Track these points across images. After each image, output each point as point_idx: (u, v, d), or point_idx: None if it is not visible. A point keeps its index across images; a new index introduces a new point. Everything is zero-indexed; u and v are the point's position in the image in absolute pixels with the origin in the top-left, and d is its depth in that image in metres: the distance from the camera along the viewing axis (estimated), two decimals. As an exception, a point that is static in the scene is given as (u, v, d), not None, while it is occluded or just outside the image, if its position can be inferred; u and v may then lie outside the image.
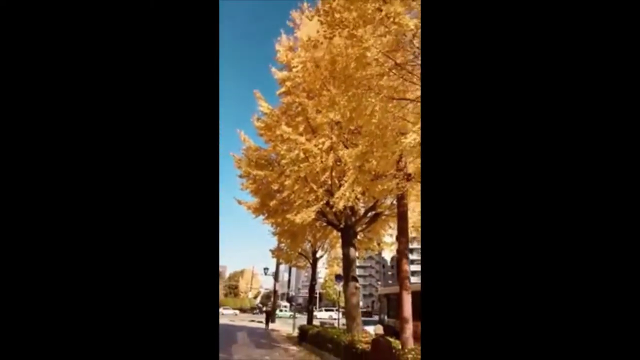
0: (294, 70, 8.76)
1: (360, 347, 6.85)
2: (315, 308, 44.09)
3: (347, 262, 9.12)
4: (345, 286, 9.02)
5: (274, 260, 23.82)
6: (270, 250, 15.92)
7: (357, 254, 9.90)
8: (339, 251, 15.12)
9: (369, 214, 9.52)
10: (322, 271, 66.05)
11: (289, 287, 50.83)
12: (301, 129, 8.44)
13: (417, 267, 59.23)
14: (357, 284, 9.11)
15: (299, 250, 14.53)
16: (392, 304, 12.11)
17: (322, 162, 7.95)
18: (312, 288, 14.81)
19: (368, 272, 62.07)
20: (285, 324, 23.04)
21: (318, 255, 14.95)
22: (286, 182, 8.08)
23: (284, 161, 7.98)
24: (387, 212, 9.80)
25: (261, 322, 21.56)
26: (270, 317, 21.17)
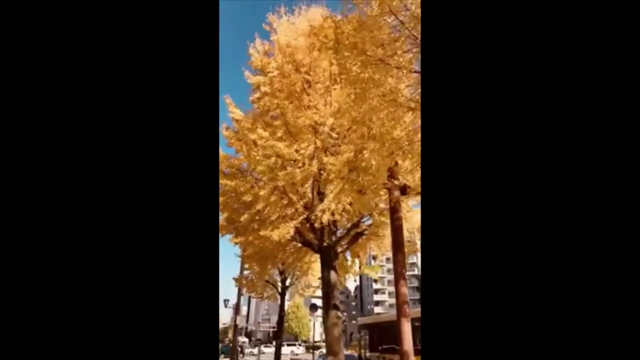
0: (269, 75, 7.94)
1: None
2: (273, 343, 41.32)
3: (328, 287, 7.99)
4: (326, 316, 7.83)
5: (234, 291, 21.78)
6: (234, 279, 14.28)
7: (338, 279, 8.78)
8: (310, 278, 13.87)
9: (352, 232, 8.55)
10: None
11: (247, 320, 47.33)
12: (279, 134, 7.47)
13: (381, 297, 57.90)
14: (340, 314, 7.96)
15: (267, 277, 13.09)
16: (375, 335, 11.00)
17: (303, 169, 6.98)
18: (281, 320, 13.25)
19: (331, 303, 59.57)
20: (246, 363, 20.73)
21: (287, 283, 13.54)
22: (261, 193, 6.97)
23: (259, 168, 6.91)
24: (367, 231, 8.91)
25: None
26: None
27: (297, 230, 8.15)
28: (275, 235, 6.52)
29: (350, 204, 7.04)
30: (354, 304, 65.22)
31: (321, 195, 7.79)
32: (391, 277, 56.95)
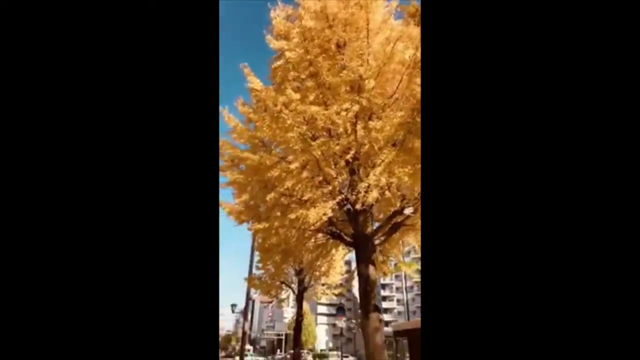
0: (294, 40, 6.73)
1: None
2: (281, 351, 39.73)
3: (366, 285, 6.64)
4: (365, 319, 6.47)
5: (240, 295, 20.46)
6: (245, 279, 12.96)
7: (377, 275, 7.45)
8: (331, 279, 12.53)
9: (394, 220, 7.22)
10: (288, 310, 61.34)
11: (250, 328, 45.68)
12: (311, 97, 6.22)
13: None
14: (381, 316, 6.61)
15: (282, 277, 11.76)
16: (417, 343, 9.66)
17: (343, 139, 5.71)
18: (298, 326, 11.85)
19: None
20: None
21: (306, 284, 12.15)
22: (291, 166, 5.68)
23: (290, 134, 5.63)
24: (407, 221, 7.58)
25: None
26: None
27: (329, 219, 6.87)
28: (312, 216, 5.21)
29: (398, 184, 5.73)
30: (360, 311, 63.22)
31: (358, 174, 6.52)
32: (400, 284, 55.36)
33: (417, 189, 6.60)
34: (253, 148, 6.89)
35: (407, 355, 10.14)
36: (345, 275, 12.73)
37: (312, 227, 7.16)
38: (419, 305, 53.51)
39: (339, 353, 42.19)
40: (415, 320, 11.85)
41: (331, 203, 5.73)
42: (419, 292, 54.58)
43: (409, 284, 55.31)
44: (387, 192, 5.67)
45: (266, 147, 6.89)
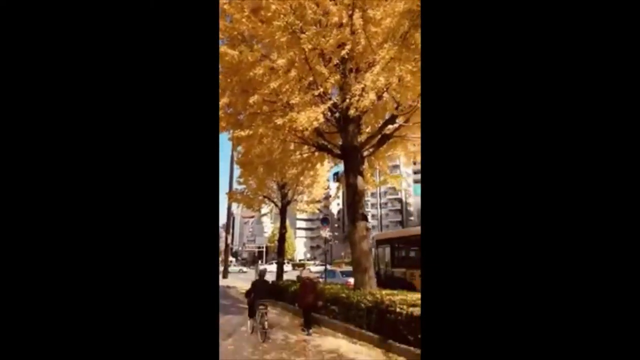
0: None
1: (405, 311, 4.50)
2: (262, 262, 42.59)
3: (354, 195, 6.52)
4: (352, 227, 6.49)
5: (222, 211, 20.70)
6: (227, 194, 12.79)
7: (365, 186, 7.32)
8: (314, 193, 12.57)
9: (384, 131, 6.83)
10: (267, 225, 64.07)
11: (232, 241, 47.96)
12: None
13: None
14: (368, 225, 6.65)
15: (265, 192, 11.63)
16: (399, 251, 10.21)
17: (341, 27, 4.93)
18: (282, 238, 12.14)
19: (315, 224, 61.28)
20: (238, 279, 20.66)
21: (289, 198, 12.12)
22: (278, 62, 4.95)
23: (277, 23, 4.78)
24: (396, 133, 7.22)
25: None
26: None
27: (316, 130, 6.38)
28: (303, 119, 4.70)
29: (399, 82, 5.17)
30: (336, 225, 67.14)
31: (350, 77, 5.88)
32: (374, 200, 58.17)
33: (417, 90, 6.09)
34: (231, 42, 5.96)
35: (389, 259, 10.81)
36: (328, 190, 12.81)
37: (298, 139, 6.72)
38: (392, 220, 57.23)
39: (316, 262, 45.72)
40: (395, 231, 12.39)
41: (322, 107, 5.19)
42: (392, 208, 57.94)
43: (383, 200, 58.42)
44: (385, 95, 5.15)
45: (247, 42, 5.98)
